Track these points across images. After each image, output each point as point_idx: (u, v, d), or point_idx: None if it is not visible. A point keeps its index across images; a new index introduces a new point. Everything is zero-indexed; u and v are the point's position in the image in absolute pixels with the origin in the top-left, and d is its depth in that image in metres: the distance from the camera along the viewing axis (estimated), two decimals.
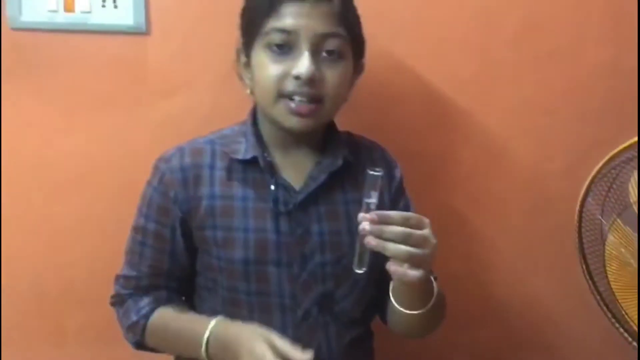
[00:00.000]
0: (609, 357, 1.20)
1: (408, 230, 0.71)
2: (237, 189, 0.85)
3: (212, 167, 0.86)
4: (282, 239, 0.84)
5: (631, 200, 0.98)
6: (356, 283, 0.88)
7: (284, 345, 0.74)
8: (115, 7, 1.03)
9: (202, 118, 1.08)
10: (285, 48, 0.79)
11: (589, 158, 1.04)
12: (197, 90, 1.08)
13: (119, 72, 1.07)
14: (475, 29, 1.09)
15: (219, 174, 0.86)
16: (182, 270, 0.90)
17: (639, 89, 1.11)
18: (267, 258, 0.84)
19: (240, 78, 0.89)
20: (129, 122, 1.09)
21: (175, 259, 0.89)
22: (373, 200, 0.73)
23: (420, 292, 0.80)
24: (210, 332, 0.81)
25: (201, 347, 0.80)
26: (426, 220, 0.74)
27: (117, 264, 1.10)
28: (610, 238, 1.02)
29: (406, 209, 0.94)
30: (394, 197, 0.94)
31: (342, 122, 0.94)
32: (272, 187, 0.85)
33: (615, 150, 0.99)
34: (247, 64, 0.86)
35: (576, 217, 1.06)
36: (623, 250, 1.00)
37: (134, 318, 0.89)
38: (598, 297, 1.07)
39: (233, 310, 0.86)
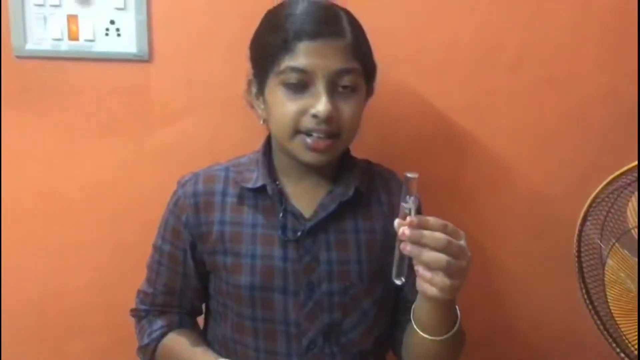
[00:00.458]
0: None
1: (448, 237, 0.67)
2: (247, 216, 0.86)
3: (224, 194, 0.87)
4: (289, 267, 0.84)
5: (630, 225, 0.99)
6: (365, 314, 0.87)
7: None
8: (119, 35, 1.04)
9: (204, 144, 1.09)
10: (301, 85, 0.79)
11: (588, 182, 1.04)
12: (198, 117, 1.09)
13: (122, 99, 1.08)
14: (475, 55, 1.11)
15: (230, 200, 0.87)
16: (194, 291, 0.93)
17: (638, 114, 1.12)
18: (273, 285, 0.84)
19: (251, 107, 0.89)
20: (131, 148, 1.10)
21: (187, 281, 0.91)
22: (410, 205, 0.69)
23: (444, 313, 0.76)
24: None
25: None
26: (462, 232, 0.71)
27: (118, 290, 1.11)
28: (610, 262, 1.02)
29: None
30: None
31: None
32: (280, 215, 0.85)
33: (614, 175, 1.00)
34: (259, 94, 0.86)
35: (575, 242, 1.06)
36: (622, 275, 1.00)
37: (146, 340, 0.92)
38: (598, 322, 1.07)
39: (240, 336, 0.87)
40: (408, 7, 1.08)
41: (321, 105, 0.78)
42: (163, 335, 0.91)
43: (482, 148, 1.15)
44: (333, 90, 0.80)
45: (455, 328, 0.77)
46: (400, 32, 1.09)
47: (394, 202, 0.91)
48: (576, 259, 1.07)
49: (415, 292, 0.75)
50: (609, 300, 1.02)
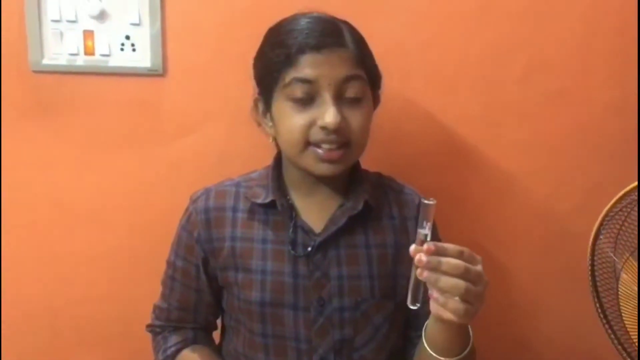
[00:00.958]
0: None
1: (466, 264, 0.67)
2: (258, 231, 0.86)
3: (234, 209, 0.88)
4: (300, 282, 0.84)
5: None
6: (377, 330, 0.87)
7: None
8: (134, 50, 1.06)
9: (217, 158, 1.10)
10: (307, 98, 0.79)
11: (599, 195, 1.03)
12: (211, 131, 1.10)
13: (136, 113, 1.09)
14: (484, 68, 1.11)
15: (241, 216, 0.87)
16: (208, 307, 0.93)
17: None
18: (284, 301, 0.84)
19: (259, 125, 0.89)
20: (145, 161, 1.11)
21: (201, 296, 0.92)
22: (426, 231, 0.69)
23: (457, 335, 0.75)
24: None
25: None
26: (478, 257, 0.70)
27: (131, 302, 1.11)
28: (624, 276, 1.01)
29: None
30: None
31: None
32: (290, 230, 0.85)
33: (627, 188, 0.99)
34: (266, 112, 0.86)
35: (588, 255, 1.05)
36: (636, 288, 0.99)
37: (161, 358, 0.93)
38: (612, 336, 1.05)
39: (251, 352, 0.87)
40: (417, 22, 1.09)
41: (329, 116, 0.77)
42: (178, 351, 0.92)
43: (492, 162, 1.15)
44: (340, 100, 0.80)
45: (468, 349, 0.77)
46: (409, 46, 1.10)
47: (405, 215, 0.91)
48: (589, 273, 1.06)
49: (427, 306, 0.74)
50: (623, 314, 1.01)
